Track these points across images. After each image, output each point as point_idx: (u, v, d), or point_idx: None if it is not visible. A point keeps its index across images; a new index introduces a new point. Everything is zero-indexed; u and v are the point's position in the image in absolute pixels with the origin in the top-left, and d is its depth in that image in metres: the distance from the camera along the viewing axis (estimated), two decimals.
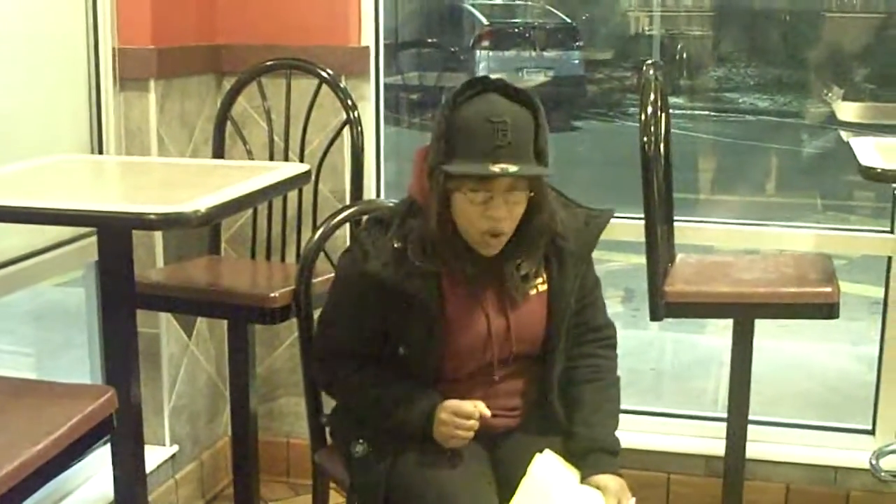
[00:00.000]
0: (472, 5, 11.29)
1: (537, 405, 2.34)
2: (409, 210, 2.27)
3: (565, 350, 2.34)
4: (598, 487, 2.17)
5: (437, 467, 2.21)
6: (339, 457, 2.42)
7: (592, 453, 2.24)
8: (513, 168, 2.10)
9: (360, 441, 2.32)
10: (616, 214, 3.37)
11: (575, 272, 2.30)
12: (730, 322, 2.97)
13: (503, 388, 2.31)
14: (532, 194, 2.18)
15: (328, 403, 2.52)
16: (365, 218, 2.43)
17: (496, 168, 2.10)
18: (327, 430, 2.55)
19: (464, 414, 2.21)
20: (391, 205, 2.49)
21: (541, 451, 2.19)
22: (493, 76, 2.23)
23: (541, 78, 10.83)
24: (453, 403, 2.22)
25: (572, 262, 2.29)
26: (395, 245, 2.22)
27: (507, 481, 2.20)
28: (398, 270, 2.20)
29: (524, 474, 2.15)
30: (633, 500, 2.18)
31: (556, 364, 2.32)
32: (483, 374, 2.29)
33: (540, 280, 2.30)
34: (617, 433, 2.32)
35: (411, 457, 2.24)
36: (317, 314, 2.49)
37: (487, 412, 2.21)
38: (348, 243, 2.47)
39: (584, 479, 2.19)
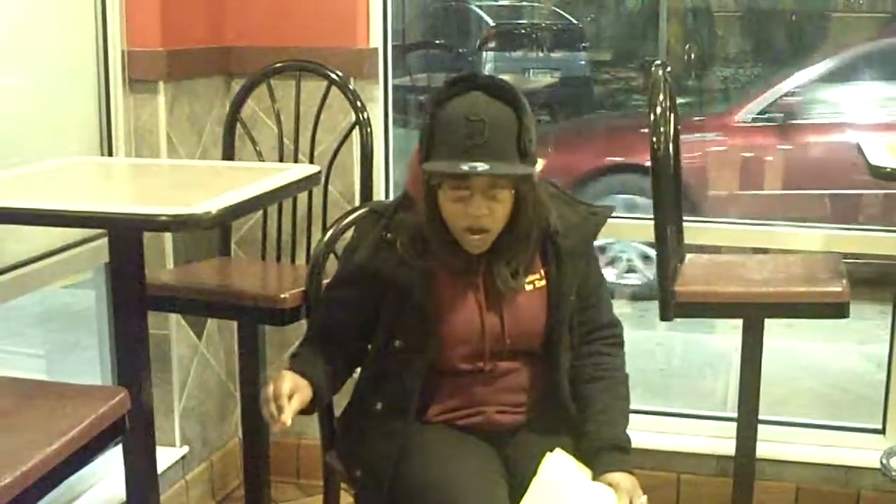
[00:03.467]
0: (479, 6, 11.29)
1: (546, 402, 2.34)
2: (402, 202, 2.32)
3: (571, 348, 2.35)
4: (609, 485, 2.17)
5: (444, 471, 2.20)
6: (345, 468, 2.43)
7: (604, 451, 2.24)
8: (483, 166, 2.11)
9: (360, 469, 2.33)
10: (624, 215, 3.42)
11: (574, 269, 2.31)
12: (738, 322, 2.97)
13: (506, 383, 2.31)
14: (515, 192, 2.19)
15: (339, 405, 2.52)
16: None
17: (466, 166, 2.11)
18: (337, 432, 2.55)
19: (277, 392, 2.12)
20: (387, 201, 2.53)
21: (551, 451, 2.19)
22: (486, 73, 2.25)
23: (547, 79, 10.83)
24: (281, 385, 2.14)
25: (570, 258, 2.30)
26: (387, 236, 2.26)
27: (518, 480, 2.20)
28: (388, 260, 2.24)
29: (534, 473, 2.15)
30: (645, 497, 2.18)
31: (561, 362, 2.32)
32: (480, 370, 2.29)
33: (537, 276, 2.31)
34: (627, 431, 2.32)
35: (416, 462, 2.24)
36: None
37: (287, 422, 2.10)
38: None
39: (595, 477, 2.19)
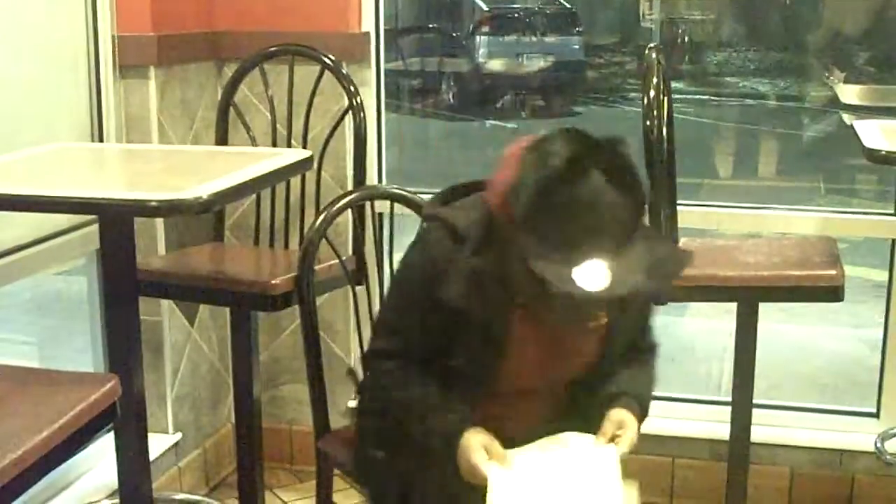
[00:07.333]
0: None
1: (564, 418, 2.23)
2: (489, 231, 2.04)
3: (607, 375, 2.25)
4: (608, 419, 2.12)
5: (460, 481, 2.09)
6: (345, 448, 2.40)
7: (618, 397, 2.16)
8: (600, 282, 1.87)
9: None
10: None
11: (639, 310, 2.22)
12: (732, 306, 2.96)
13: (531, 400, 2.22)
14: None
15: (332, 391, 2.51)
16: (426, 212, 2.21)
17: (582, 281, 1.87)
18: (330, 423, 2.53)
19: (497, 453, 2.07)
20: (460, 210, 2.12)
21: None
22: (576, 128, 1.97)
23: (541, 63, 10.83)
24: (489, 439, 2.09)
25: (637, 304, 2.16)
26: (474, 269, 2.03)
27: None
28: (475, 299, 2.04)
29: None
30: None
31: (598, 385, 2.22)
32: (525, 394, 2.20)
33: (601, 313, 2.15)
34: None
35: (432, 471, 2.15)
36: (320, 301, 2.45)
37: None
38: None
39: (605, 414, 2.12)
